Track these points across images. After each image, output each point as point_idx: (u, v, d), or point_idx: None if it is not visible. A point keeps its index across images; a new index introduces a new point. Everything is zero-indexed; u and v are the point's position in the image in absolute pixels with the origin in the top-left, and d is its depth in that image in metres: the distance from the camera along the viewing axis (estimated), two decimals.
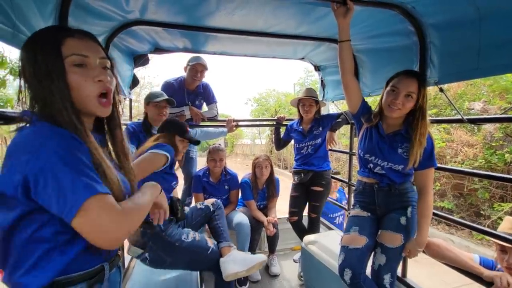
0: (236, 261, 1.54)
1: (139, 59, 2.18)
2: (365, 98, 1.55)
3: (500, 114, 3.70)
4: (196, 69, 2.35)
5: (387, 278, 1.32)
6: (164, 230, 1.45)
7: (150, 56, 2.22)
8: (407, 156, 1.31)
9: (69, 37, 0.63)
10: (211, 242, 1.60)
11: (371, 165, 1.42)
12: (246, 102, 13.31)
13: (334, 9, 1.31)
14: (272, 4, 1.44)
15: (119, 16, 1.53)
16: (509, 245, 1.18)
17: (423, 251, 1.47)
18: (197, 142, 1.71)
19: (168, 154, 1.42)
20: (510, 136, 4.15)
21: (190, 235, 1.53)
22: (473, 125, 4.64)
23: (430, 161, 1.32)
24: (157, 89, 2.46)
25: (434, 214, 1.59)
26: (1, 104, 4.50)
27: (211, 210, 1.78)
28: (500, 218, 3.94)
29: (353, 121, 2.27)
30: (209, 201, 1.84)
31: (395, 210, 1.40)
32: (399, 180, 1.39)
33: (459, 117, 1.41)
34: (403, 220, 1.36)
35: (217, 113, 2.56)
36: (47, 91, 0.60)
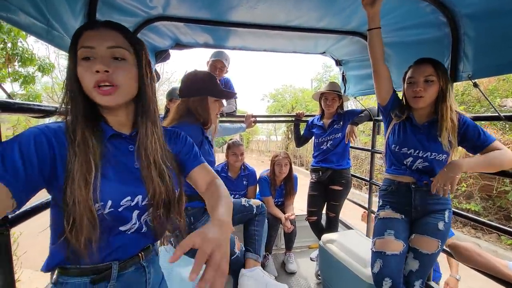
0: (258, 282, 1.40)
1: (160, 55, 2.21)
2: None
3: None
4: (215, 65, 2.34)
5: (417, 285, 1.25)
6: (194, 223, 1.32)
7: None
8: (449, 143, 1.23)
9: (88, 30, 0.62)
10: (238, 247, 1.44)
11: (410, 159, 1.32)
12: (262, 98, 13.21)
13: None
14: None
15: (143, 12, 1.55)
16: None
17: (452, 255, 1.40)
18: (233, 94, 1.38)
19: None
20: None
21: None
22: (505, 123, 4.36)
23: (486, 140, 1.18)
24: (175, 85, 2.51)
25: (460, 215, 1.50)
26: (31, 99, 4.75)
27: (254, 212, 1.62)
28: None
29: (376, 118, 2.19)
30: (255, 202, 1.66)
31: (432, 213, 1.30)
32: None
33: (495, 114, 1.32)
34: (441, 225, 1.27)
35: (236, 108, 2.56)
36: (66, 85, 0.62)
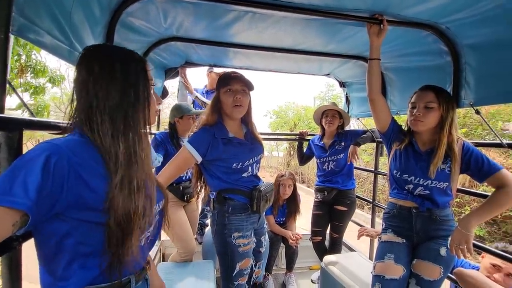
0: None
1: (170, 72, 2.29)
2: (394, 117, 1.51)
3: None
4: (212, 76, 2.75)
5: None
6: (230, 213, 1.31)
7: None
8: (450, 172, 1.24)
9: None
10: (245, 265, 1.36)
11: (411, 186, 1.32)
12: (265, 114, 13.35)
13: (368, 28, 1.32)
14: (302, 23, 1.48)
15: (157, 33, 1.63)
16: None
17: (457, 283, 1.38)
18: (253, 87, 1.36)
19: (191, 149, 1.22)
20: None
21: (242, 241, 1.32)
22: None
23: (490, 169, 1.16)
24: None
25: None
26: (40, 109, 4.85)
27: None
28: None
29: (379, 139, 2.21)
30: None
31: (434, 239, 1.29)
32: (442, 202, 1.29)
33: (497, 141, 1.34)
34: (443, 251, 1.25)
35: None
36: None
